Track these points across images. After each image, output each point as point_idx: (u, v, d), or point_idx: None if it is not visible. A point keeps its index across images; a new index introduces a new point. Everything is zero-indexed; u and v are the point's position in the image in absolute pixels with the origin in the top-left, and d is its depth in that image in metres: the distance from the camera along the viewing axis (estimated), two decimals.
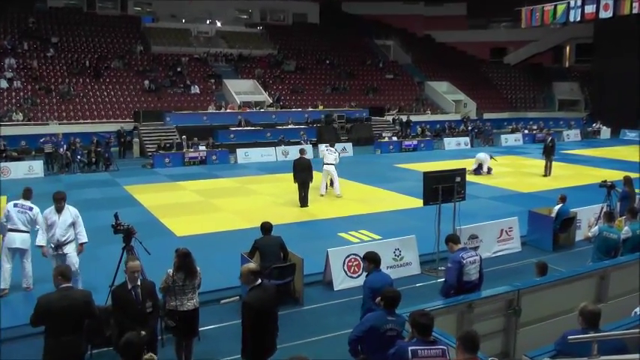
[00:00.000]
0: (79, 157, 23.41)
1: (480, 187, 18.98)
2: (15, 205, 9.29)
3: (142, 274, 6.48)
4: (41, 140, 24.49)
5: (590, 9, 24.40)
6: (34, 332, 6.54)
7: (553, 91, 49.80)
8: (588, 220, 12.12)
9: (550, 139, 22.11)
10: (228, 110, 32.79)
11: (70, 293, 5.73)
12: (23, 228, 9.18)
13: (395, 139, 31.25)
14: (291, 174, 16.19)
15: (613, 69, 41.05)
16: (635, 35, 37.25)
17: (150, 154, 26.15)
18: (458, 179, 10.58)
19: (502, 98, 48.77)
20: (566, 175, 21.46)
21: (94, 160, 23.68)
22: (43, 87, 32.42)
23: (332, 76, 42.76)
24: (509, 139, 34.38)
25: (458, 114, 42.48)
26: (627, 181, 12.11)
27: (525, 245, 12.15)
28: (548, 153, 21.65)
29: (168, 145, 25.93)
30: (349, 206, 16.12)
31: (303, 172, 15.86)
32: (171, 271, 6.81)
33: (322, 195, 17.22)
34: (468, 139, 33.34)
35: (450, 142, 32.35)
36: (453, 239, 7.60)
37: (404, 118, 36.75)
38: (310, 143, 28.55)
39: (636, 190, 12.20)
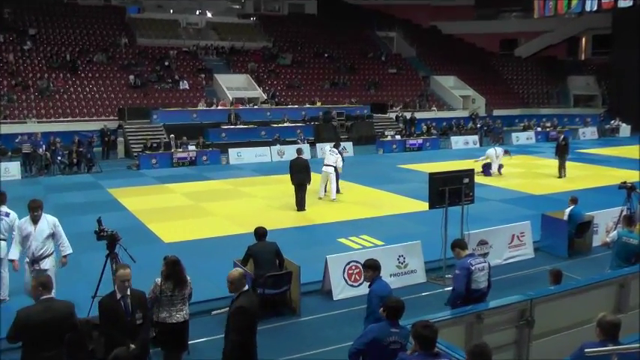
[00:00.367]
0: (59, 157, 23.43)
1: (489, 189, 19.02)
2: None
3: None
4: (18, 140, 24.37)
5: None
6: (10, 347, 6.51)
7: (568, 86, 49.97)
8: (606, 224, 12.00)
9: (562, 137, 22.15)
10: (219, 107, 32.85)
11: (53, 305, 5.66)
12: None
13: (398, 137, 31.31)
14: (288, 175, 16.29)
15: (633, 62, 41.03)
16: None
17: (135, 154, 26.20)
18: (466, 181, 10.60)
19: (513, 93, 48.92)
20: (582, 176, 21.51)
21: (75, 161, 23.69)
22: (20, 82, 32.42)
23: (331, 71, 42.85)
24: (521, 138, 34.50)
25: (466, 110, 42.67)
26: None
27: (539, 251, 12.19)
28: (562, 153, 21.73)
29: (155, 144, 25.95)
30: (349, 210, 16.13)
31: (300, 173, 15.92)
32: (159, 280, 6.83)
33: (321, 198, 17.33)
34: (476, 137, 33.45)
35: (458, 141, 32.44)
36: (459, 244, 7.63)
37: (408, 115, 36.86)
38: (308, 142, 28.62)
39: None
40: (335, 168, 17.23)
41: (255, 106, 34.35)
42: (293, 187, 16.08)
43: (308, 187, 16.08)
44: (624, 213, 10.86)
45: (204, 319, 8.67)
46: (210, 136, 28.92)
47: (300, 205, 15.90)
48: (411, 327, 4.96)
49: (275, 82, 39.59)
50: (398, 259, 10.42)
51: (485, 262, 7.49)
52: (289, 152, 24.53)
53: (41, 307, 5.59)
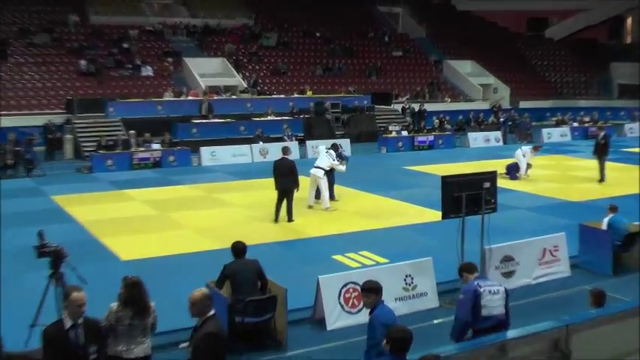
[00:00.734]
0: None
1: (515, 195, 19.03)
2: None
3: None
4: None
5: None
6: None
7: (611, 74, 50.27)
8: None
9: (602, 135, 22.13)
10: (190, 98, 32.79)
11: None
12: None
13: (405, 133, 31.36)
14: (272, 179, 16.37)
15: None
16: None
17: (87, 154, 26.18)
18: (487, 185, 10.63)
19: (544, 82, 49.20)
20: (625, 179, 21.53)
21: (11, 162, 23.59)
22: None
23: (324, 54, 43.00)
24: (554, 134, 34.69)
25: (486, 102, 42.89)
26: None
27: (576, 268, 12.23)
28: (601, 152, 21.77)
29: (111, 143, 25.79)
30: (346, 220, 16.16)
31: (284, 176, 15.98)
32: (116, 305, 6.79)
33: (311, 206, 17.45)
34: (499, 133, 33.59)
35: (477, 138, 32.50)
36: (467, 268, 7.69)
37: (416, 107, 36.93)
38: (296, 140, 28.59)
39: None
40: (326, 172, 17.28)
41: (234, 97, 34.32)
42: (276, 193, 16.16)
43: (296, 193, 16.13)
44: None
45: (172, 352, 8.58)
46: (179, 133, 28.90)
47: (276, 215, 15.95)
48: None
49: (257, 68, 39.65)
50: (405, 280, 10.41)
51: (499, 285, 7.49)
52: (274, 151, 24.40)
53: None
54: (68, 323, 6.01)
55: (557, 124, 37.40)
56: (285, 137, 28.40)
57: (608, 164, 22.03)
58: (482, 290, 7.14)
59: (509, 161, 22.63)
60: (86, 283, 7.55)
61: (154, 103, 31.63)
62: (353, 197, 18.97)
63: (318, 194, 17.64)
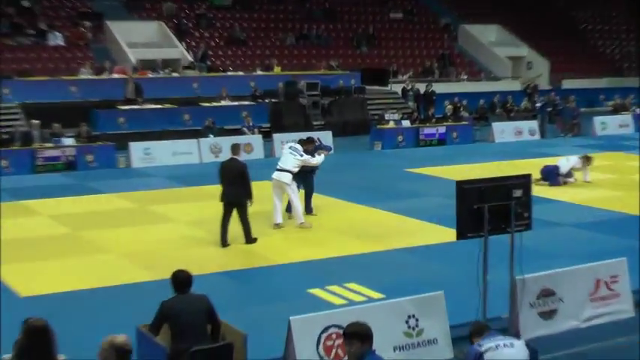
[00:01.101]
0: None
1: (557, 207, 19.10)
2: None
3: None
4: None
5: None
6: None
7: None
8: None
9: None
10: (114, 75, 32.67)
11: None
12: None
13: (407, 124, 31.42)
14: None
15: None
16: None
17: None
18: (518, 193, 10.56)
19: (596, 55, 49.38)
20: None
21: None
22: None
23: (297, 17, 43.10)
24: (610, 125, 34.91)
25: (517, 81, 43.24)
26: None
27: None
28: None
29: (6, 137, 25.69)
30: (328, 241, 16.18)
31: (232, 184, 16.01)
32: (9, 358, 6.73)
33: (278, 225, 17.49)
34: (535, 123, 33.79)
35: (504, 130, 32.64)
36: (477, 330, 7.80)
37: (422, 88, 36.92)
38: (260, 132, 28.56)
39: None
40: (296, 175, 17.37)
41: (175, 74, 34.21)
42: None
43: (249, 206, 16.12)
44: None
45: None
46: (101, 123, 28.92)
47: (223, 236, 15.95)
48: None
49: (206, 35, 39.73)
50: (407, 322, 10.26)
51: (514, 340, 7.59)
52: (229, 149, 24.16)
53: None
54: None
55: (615, 111, 37.62)
56: (245, 129, 28.55)
57: None
58: (483, 349, 7.23)
59: (549, 161, 22.65)
60: None
61: (65, 84, 31.51)
62: (336, 209, 19.03)
63: (290, 206, 17.70)
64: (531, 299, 10.97)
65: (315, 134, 21.62)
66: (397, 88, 37.87)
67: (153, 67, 34.54)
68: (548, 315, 11.23)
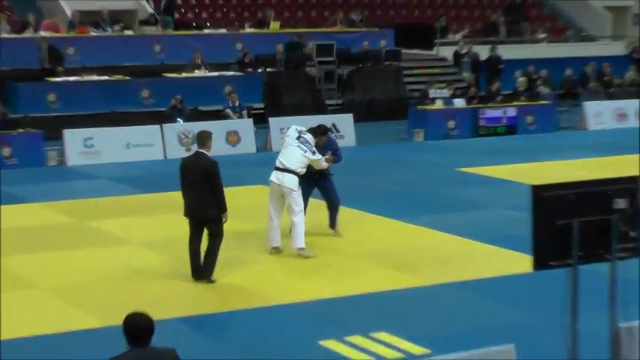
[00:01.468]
0: None
1: None
2: None
3: None
4: None
5: None
6: None
7: None
8: None
9: None
10: (42, 34, 29.67)
11: None
12: None
13: (461, 103, 28.67)
14: None
15: None
16: None
17: None
18: (621, 204, 9.16)
19: None
20: None
21: None
22: None
23: None
24: None
25: (619, 42, 40.27)
26: None
27: None
28: None
29: None
30: (347, 272, 14.82)
31: (196, 191, 14.25)
32: None
33: (276, 249, 15.67)
34: None
35: (602, 113, 30.27)
36: None
37: (483, 52, 34.07)
38: (249, 115, 26.47)
39: None
40: (303, 177, 15.66)
41: (128, 32, 31.33)
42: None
43: (224, 222, 14.37)
44: None
45: None
46: (21, 102, 26.59)
47: (194, 263, 14.17)
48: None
49: None
50: None
51: None
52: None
53: None
54: None
55: None
56: (229, 111, 26.11)
57: None
58: None
59: None
60: None
61: None
62: (360, 226, 17.21)
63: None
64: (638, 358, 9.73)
65: (329, 119, 20.65)
66: (447, 53, 34.65)
67: (96, 22, 31.23)
68: None
